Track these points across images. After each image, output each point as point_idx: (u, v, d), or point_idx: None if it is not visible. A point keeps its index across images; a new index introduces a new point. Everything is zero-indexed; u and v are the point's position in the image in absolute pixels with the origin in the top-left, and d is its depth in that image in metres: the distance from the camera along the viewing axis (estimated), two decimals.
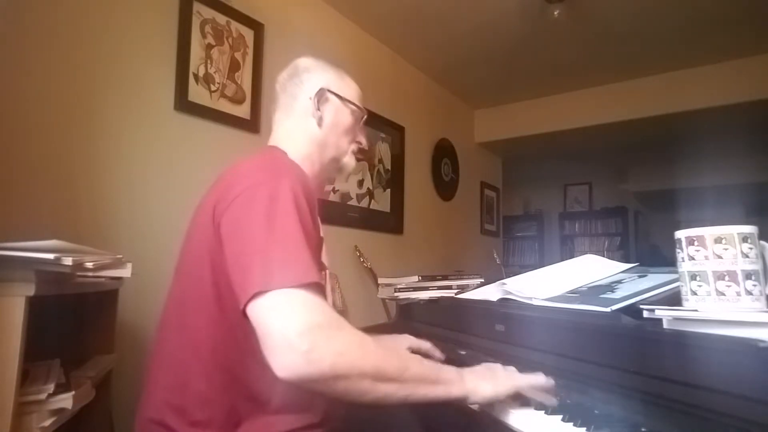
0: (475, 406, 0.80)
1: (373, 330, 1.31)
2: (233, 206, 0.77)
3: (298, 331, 0.63)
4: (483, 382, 0.77)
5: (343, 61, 1.16)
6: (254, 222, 0.73)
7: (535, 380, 0.80)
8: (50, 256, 0.75)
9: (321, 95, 0.99)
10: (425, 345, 1.15)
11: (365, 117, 1.07)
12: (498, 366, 0.84)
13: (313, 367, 0.63)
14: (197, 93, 1.82)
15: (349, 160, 1.05)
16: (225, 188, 0.81)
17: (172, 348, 0.84)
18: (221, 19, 1.92)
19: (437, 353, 1.13)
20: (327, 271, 0.97)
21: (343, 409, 0.87)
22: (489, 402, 0.77)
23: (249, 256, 0.71)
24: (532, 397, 0.78)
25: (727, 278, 0.67)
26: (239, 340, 0.78)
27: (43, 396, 0.82)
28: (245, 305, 0.68)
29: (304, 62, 1.04)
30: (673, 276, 0.83)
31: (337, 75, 1.03)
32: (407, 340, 1.17)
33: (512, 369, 0.83)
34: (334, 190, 2.49)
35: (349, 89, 1.04)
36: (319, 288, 0.70)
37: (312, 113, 0.98)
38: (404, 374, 0.70)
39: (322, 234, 0.92)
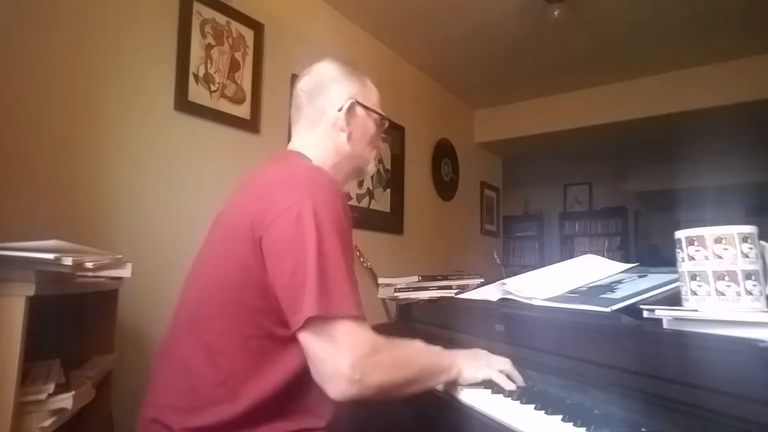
0: (477, 407, 0.83)
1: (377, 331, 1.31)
2: (279, 223, 0.78)
3: (351, 363, 0.73)
4: (467, 367, 0.90)
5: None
6: (305, 244, 0.75)
7: (504, 380, 0.89)
8: (50, 256, 0.75)
9: (350, 109, 0.98)
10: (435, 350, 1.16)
11: (387, 124, 1.07)
12: (482, 353, 0.95)
13: (364, 390, 0.74)
14: (197, 93, 1.82)
15: (371, 167, 1.07)
16: (264, 201, 0.82)
17: (184, 351, 0.83)
18: (221, 19, 1.92)
19: None
20: None
21: (347, 411, 0.88)
22: (467, 382, 0.90)
23: (302, 280, 0.74)
24: (497, 383, 0.89)
25: (727, 278, 0.67)
26: (254, 349, 0.80)
27: (43, 396, 0.82)
28: (299, 328, 0.74)
29: (328, 71, 1.01)
30: (673, 276, 0.83)
31: (360, 83, 1.02)
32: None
33: (496, 359, 0.93)
34: None
35: (372, 95, 1.04)
36: (363, 319, 0.78)
37: (342, 127, 0.98)
38: (422, 375, 0.84)
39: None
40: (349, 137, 0.99)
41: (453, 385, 0.91)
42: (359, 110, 1.00)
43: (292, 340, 0.77)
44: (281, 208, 0.78)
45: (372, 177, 2.80)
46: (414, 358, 0.86)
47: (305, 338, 0.75)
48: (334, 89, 0.99)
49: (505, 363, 0.92)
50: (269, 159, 1.00)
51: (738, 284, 0.66)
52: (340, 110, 0.97)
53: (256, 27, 2.07)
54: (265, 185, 0.87)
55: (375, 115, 1.03)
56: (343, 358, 0.73)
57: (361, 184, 2.70)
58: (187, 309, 0.88)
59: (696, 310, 0.68)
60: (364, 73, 1.06)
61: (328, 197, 0.80)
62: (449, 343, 1.21)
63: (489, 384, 0.89)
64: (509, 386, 0.87)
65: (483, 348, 0.99)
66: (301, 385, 0.79)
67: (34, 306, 0.78)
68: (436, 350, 0.92)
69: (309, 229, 0.75)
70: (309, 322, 0.73)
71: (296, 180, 0.85)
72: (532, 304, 1.04)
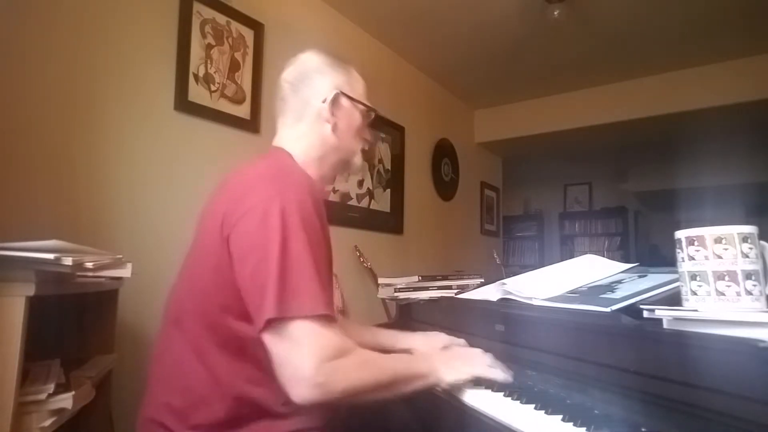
0: (476, 406, 0.83)
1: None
2: (244, 221, 0.76)
3: (313, 365, 0.70)
4: (449, 370, 0.87)
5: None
6: (268, 243, 0.73)
7: (491, 372, 0.89)
8: (50, 256, 0.75)
9: (335, 100, 0.96)
10: (459, 342, 1.14)
11: (374, 115, 1.05)
12: (462, 352, 0.96)
13: (327, 395, 0.71)
14: (197, 93, 1.82)
15: (358, 160, 1.05)
16: (234, 199, 0.81)
17: (175, 351, 0.83)
18: (221, 19, 1.92)
19: None
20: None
21: (344, 411, 0.87)
22: (451, 386, 0.87)
23: (264, 279, 0.72)
24: (489, 378, 0.89)
25: (727, 278, 0.67)
26: (235, 350, 0.79)
27: (43, 396, 0.82)
28: (261, 329, 0.72)
29: (313, 61, 1.00)
30: (673, 276, 0.83)
31: (346, 73, 1.00)
32: (441, 339, 1.15)
33: (477, 354, 0.95)
34: (334, 190, 2.49)
35: (358, 86, 1.02)
36: (330, 319, 0.75)
37: (327, 119, 0.96)
38: (394, 381, 0.81)
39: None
40: (335, 128, 0.97)
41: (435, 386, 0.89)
42: (345, 101, 0.98)
43: None
44: (249, 206, 0.77)
45: (372, 177, 2.80)
46: (386, 363, 0.83)
47: (267, 339, 0.72)
48: (318, 80, 0.97)
49: (485, 356, 0.92)
50: (254, 157, 0.98)
51: (738, 284, 0.66)
52: (324, 101, 0.96)
53: (256, 27, 2.07)
54: (239, 184, 0.86)
55: (361, 106, 1.01)
56: (305, 360, 0.70)
57: (361, 183, 2.70)
58: (174, 309, 0.87)
59: (696, 310, 0.68)
60: (350, 63, 1.03)
61: (298, 195, 0.79)
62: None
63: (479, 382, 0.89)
64: (503, 378, 0.87)
65: (482, 348, 0.99)
66: None
67: (34, 306, 0.78)
68: (414, 355, 0.91)
69: (274, 227, 0.74)
70: (269, 324, 0.71)
71: (267, 178, 0.84)
72: (532, 304, 1.03)
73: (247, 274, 0.75)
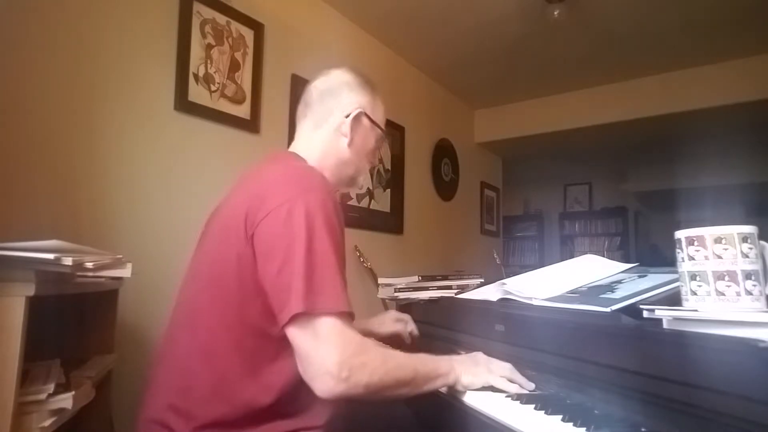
0: (477, 407, 0.83)
1: None
2: (269, 220, 0.78)
3: (338, 361, 0.73)
4: (466, 374, 0.89)
5: (343, 61, 1.15)
6: (294, 241, 0.76)
7: (506, 385, 0.88)
8: (50, 256, 0.75)
9: (357, 118, 1.00)
10: (405, 317, 1.36)
11: (386, 142, 1.09)
12: (482, 359, 0.94)
13: (351, 389, 0.74)
14: (197, 93, 1.82)
15: (363, 179, 1.09)
16: (257, 199, 0.82)
17: (180, 350, 0.84)
18: (221, 19, 1.92)
19: (412, 325, 1.36)
20: None
21: (345, 409, 0.88)
22: (466, 389, 0.88)
23: (290, 277, 0.75)
24: (500, 388, 0.88)
25: (727, 278, 0.67)
26: (249, 349, 0.80)
27: (43, 396, 0.82)
28: (285, 324, 0.74)
29: (345, 77, 1.04)
30: (673, 276, 0.83)
31: (372, 97, 1.05)
32: (391, 315, 1.38)
33: (495, 363, 0.92)
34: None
35: (379, 112, 1.06)
36: (351, 317, 0.78)
37: (345, 133, 1.00)
38: (415, 378, 0.83)
39: None
40: (350, 144, 1.01)
41: (453, 387, 0.90)
42: (365, 121, 1.02)
43: (288, 339, 0.77)
44: (273, 205, 0.79)
45: (372, 177, 2.80)
46: (407, 361, 0.85)
47: (292, 334, 0.75)
48: (346, 95, 1.02)
49: (505, 368, 0.91)
50: (264, 159, 1.01)
51: (738, 284, 0.66)
52: (348, 116, 1.00)
53: (256, 27, 2.07)
54: (259, 184, 0.87)
55: (378, 131, 1.05)
56: (330, 355, 0.73)
57: None
58: (184, 309, 0.88)
59: (696, 310, 0.68)
60: (376, 89, 1.07)
61: (319, 196, 0.81)
62: (450, 342, 1.22)
63: (490, 388, 0.88)
64: (513, 389, 0.86)
65: (482, 349, 0.99)
66: (298, 383, 0.79)
67: (34, 306, 0.78)
68: (434, 356, 0.91)
69: (299, 226, 0.76)
70: (295, 319, 0.73)
71: (289, 179, 0.86)
72: (532, 304, 1.03)
73: (272, 272, 0.77)
